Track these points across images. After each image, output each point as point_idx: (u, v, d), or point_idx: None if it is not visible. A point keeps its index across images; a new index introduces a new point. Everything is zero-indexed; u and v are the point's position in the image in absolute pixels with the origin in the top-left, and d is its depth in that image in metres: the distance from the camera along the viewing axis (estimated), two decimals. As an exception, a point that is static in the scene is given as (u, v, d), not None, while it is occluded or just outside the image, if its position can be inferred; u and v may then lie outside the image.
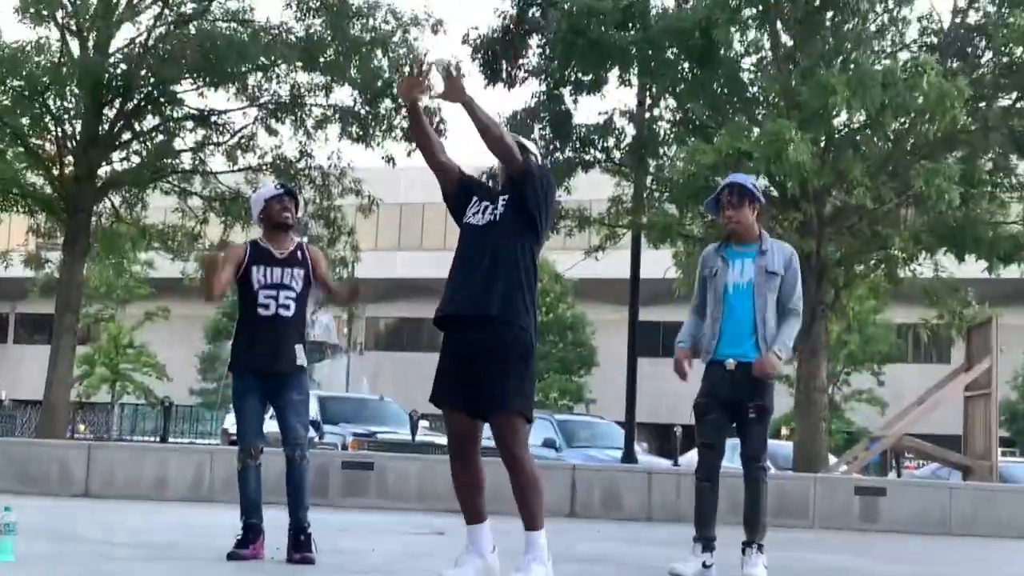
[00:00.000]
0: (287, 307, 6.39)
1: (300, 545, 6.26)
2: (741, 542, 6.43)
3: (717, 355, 6.49)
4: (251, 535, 6.27)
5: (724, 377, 6.43)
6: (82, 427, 36.88)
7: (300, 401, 6.40)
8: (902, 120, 18.92)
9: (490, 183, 5.89)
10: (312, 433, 18.02)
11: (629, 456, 18.29)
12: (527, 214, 5.36)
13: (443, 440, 19.06)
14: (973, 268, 21.47)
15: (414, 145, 21.87)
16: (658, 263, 23.48)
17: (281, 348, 6.35)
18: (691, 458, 17.59)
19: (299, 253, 6.51)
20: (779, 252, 6.61)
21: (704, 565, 6.35)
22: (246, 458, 6.33)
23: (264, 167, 22.61)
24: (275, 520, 6.40)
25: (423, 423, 20.62)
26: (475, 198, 5.53)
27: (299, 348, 6.43)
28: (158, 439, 23.49)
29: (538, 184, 5.39)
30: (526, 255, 5.36)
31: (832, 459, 20.77)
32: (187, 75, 21.10)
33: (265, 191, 6.62)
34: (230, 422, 27.27)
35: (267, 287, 6.39)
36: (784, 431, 36.61)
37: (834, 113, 18.11)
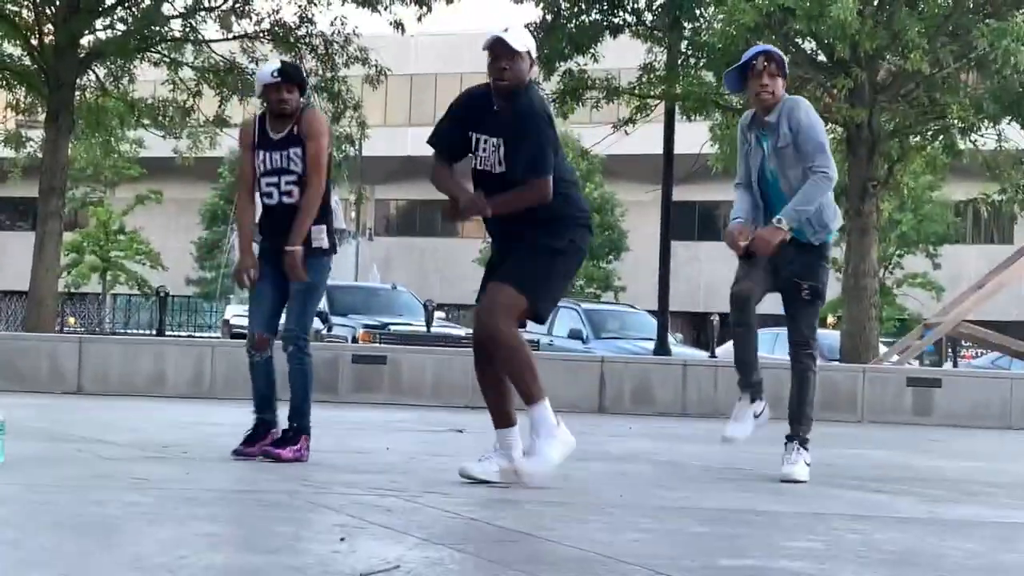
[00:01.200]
0: (290, 194, 6.35)
1: (279, 440, 6.27)
2: (784, 435, 6.46)
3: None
4: (261, 430, 6.34)
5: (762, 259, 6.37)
6: (72, 320, 37.28)
7: (303, 289, 6.35)
8: (965, -27, 18.58)
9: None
10: (319, 325, 18.17)
11: (662, 347, 18.38)
12: None
13: (460, 331, 19.21)
14: (1040, 139, 21.28)
15: (425, 9, 21.66)
16: (694, 137, 23.27)
17: (287, 229, 6.33)
18: (728, 349, 17.72)
19: (295, 128, 6.38)
20: (784, 117, 6.33)
21: (755, 415, 6.39)
22: (250, 349, 6.38)
23: (261, 35, 22.43)
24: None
25: (439, 313, 20.74)
26: (474, 139, 5.59)
27: (316, 229, 6.37)
28: (154, 332, 23.75)
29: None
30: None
31: (883, 348, 20.83)
32: (175, -68, 20.82)
33: (264, 74, 6.49)
34: (231, 313, 27.52)
35: (267, 173, 6.37)
36: (831, 319, 36.67)
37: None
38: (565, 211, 5.56)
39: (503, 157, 5.51)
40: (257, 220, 6.58)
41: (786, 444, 6.44)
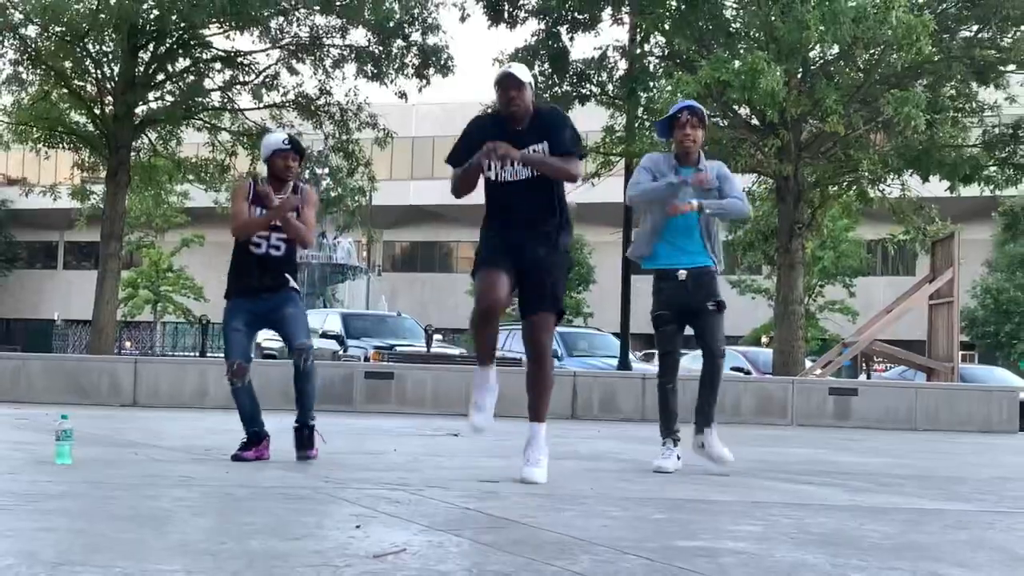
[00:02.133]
0: (277, 248, 6.22)
1: (303, 442, 6.21)
2: (696, 425, 6.41)
3: (667, 266, 6.40)
4: (254, 440, 6.24)
5: (677, 287, 6.36)
6: (128, 344, 37.05)
7: (295, 313, 6.22)
8: (872, 52, 18.71)
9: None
10: (337, 348, 18.10)
11: (624, 364, 18.35)
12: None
13: (454, 351, 19.16)
14: (936, 188, 21.40)
15: (424, 82, 21.69)
16: (650, 187, 23.32)
17: (270, 280, 6.23)
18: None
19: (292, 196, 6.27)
20: (712, 168, 6.42)
21: (677, 457, 6.38)
22: (232, 378, 6.20)
23: (287, 104, 22.50)
24: (286, 423, 6.42)
25: (437, 336, 20.70)
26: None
27: (289, 276, 6.25)
28: (197, 354, 23.62)
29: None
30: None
31: (808, 363, 20.86)
32: (214, 19, 20.88)
33: (273, 141, 6.36)
34: (262, 336, 27.39)
35: None
36: (764, 339, 36.75)
37: (809, 46, 17.90)
38: (568, 218, 5.61)
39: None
40: (231, 263, 6.37)
41: (702, 430, 6.38)
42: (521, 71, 5.45)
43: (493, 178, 5.49)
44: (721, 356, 6.42)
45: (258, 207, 6.23)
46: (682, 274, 6.36)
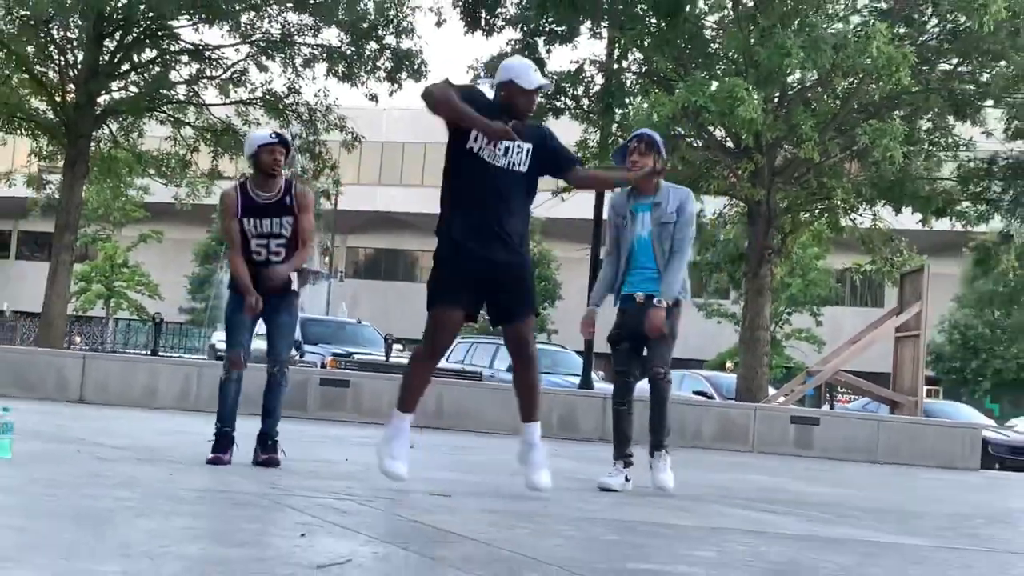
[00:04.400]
0: (277, 254, 6.31)
1: (266, 448, 6.29)
2: (649, 447, 6.55)
3: (627, 290, 6.57)
4: (223, 440, 6.25)
5: (633, 309, 6.51)
6: (78, 339, 36.67)
7: (288, 323, 6.37)
8: (851, 80, 18.89)
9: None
10: (293, 353, 18.01)
11: (586, 382, 18.38)
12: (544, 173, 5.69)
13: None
14: (908, 220, 21.61)
15: (396, 86, 21.67)
16: (620, 204, 23.41)
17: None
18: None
19: (287, 199, 6.30)
20: (673, 198, 6.51)
21: (626, 479, 6.44)
22: (229, 368, 6.27)
23: (254, 101, 22.40)
24: (249, 428, 6.39)
25: (397, 346, 20.64)
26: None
27: (293, 275, 6.36)
28: (149, 352, 23.41)
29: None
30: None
31: (771, 391, 20.98)
32: (183, 11, 20.78)
33: (259, 136, 6.40)
34: (217, 338, 27.22)
35: (258, 236, 6.29)
36: (729, 364, 36.92)
37: (788, 72, 18.05)
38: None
39: (525, 159, 5.51)
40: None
41: (652, 453, 6.51)
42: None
43: (486, 159, 5.39)
44: (661, 379, 6.52)
45: (257, 218, 6.25)
46: (639, 297, 6.50)
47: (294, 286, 6.38)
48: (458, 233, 5.41)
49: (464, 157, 5.41)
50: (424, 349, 5.51)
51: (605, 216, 20.70)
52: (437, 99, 5.26)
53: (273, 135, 6.37)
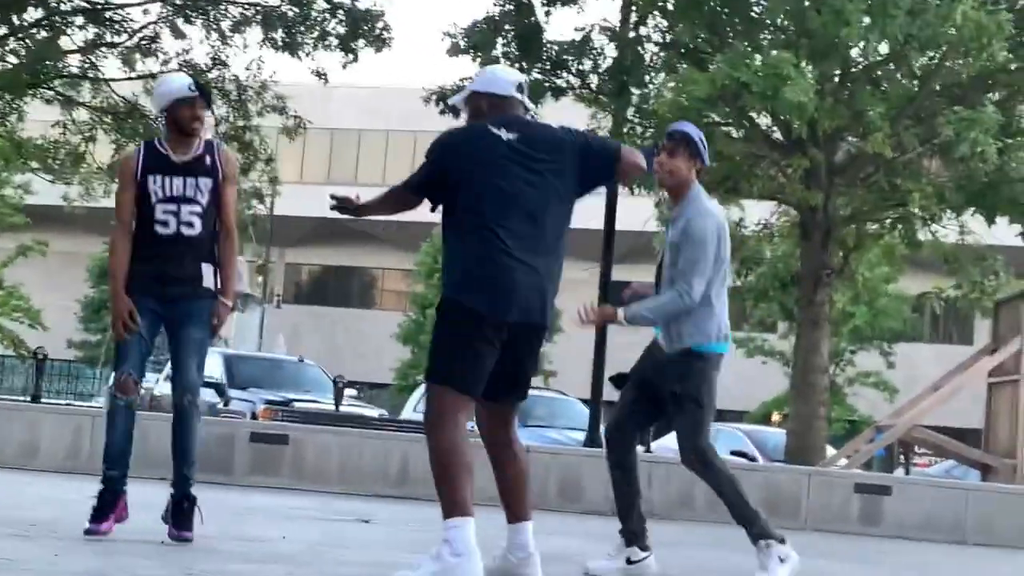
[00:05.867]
0: (191, 224, 6.30)
1: (179, 519, 6.26)
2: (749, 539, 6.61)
3: (656, 330, 6.63)
4: (108, 498, 6.23)
5: (649, 350, 6.60)
6: (-63, 380, 36.59)
7: (198, 340, 6.32)
8: (931, 55, 19.00)
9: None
10: (216, 399, 17.97)
11: (593, 440, 18.36)
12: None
13: (372, 412, 19.07)
14: (1005, 233, 21.65)
15: (351, 57, 21.74)
16: (636, 213, 23.48)
17: (183, 268, 6.29)
18: (665, 443, 17.71)
19: (207, 158, 6.37)
20: (683, 217, 6.48)
21: (629, 561, 6.41)
22: (116, 392, 6.25)
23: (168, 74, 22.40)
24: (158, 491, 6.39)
25: (349, 391, 20.60)
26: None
27: (206, 268, 6.34)
28: (29, 398, 23.34)
29: None
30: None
31: (830, 451, 20.99)
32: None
33: (174, 87, 6.47)
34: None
35: (166, 200, 6.30)
36: (776, 416, 36.97)
37: (850, 44, 18.15)
38: None
39: None
40: (132, 252, 6.39)
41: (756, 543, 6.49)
42: None
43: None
44: (686, 459, 6.50)
45: (167, 176, 6.27)
46: (659, 338, 6.53)
47: (207, 283, 6.34)
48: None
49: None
50: (452, 438, 5.60)
51: (620, 228, 20.87)
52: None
53: (191, 87, 6.42)
